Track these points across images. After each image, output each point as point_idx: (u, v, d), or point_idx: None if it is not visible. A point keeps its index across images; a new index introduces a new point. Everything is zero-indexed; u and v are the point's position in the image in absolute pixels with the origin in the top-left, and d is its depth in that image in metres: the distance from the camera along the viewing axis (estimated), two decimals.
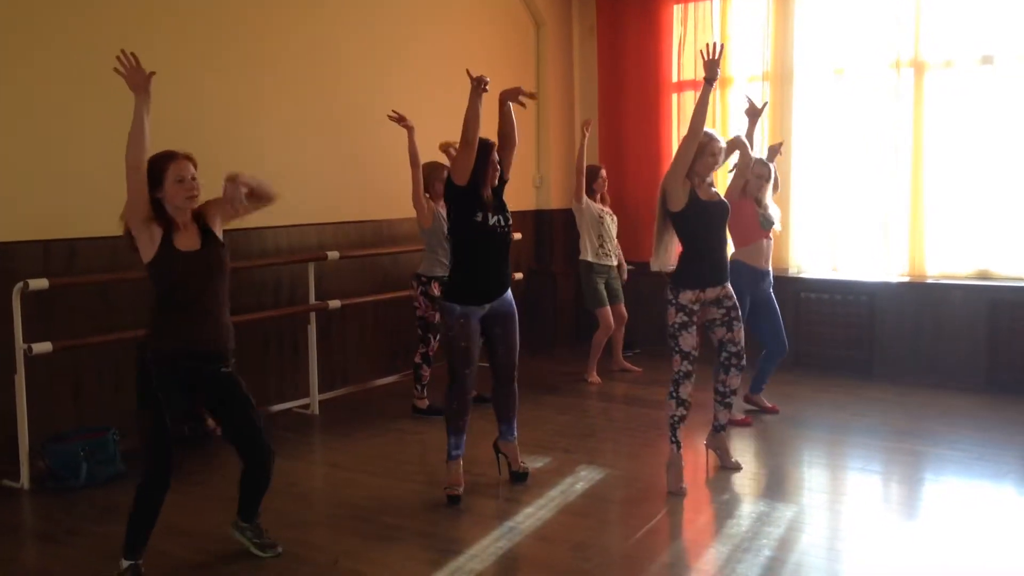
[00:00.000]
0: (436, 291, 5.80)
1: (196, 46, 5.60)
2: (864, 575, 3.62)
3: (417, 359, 6.04)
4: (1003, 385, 6.43)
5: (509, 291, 4.53)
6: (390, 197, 6.78)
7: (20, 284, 4.60)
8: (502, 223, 4.41)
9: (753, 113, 5.68)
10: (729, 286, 4.67)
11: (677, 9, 7.85)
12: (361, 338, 6.76)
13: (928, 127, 6.76)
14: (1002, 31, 6.46)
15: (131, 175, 3.37)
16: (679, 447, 4.57)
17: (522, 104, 4.54)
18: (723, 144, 4.69)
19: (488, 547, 3.90)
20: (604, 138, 8.32)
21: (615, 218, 7.07)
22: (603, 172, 7.03)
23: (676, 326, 4.52)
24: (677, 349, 4.53)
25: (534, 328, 8.23)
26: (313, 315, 6.11)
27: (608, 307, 6.96)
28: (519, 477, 4.69)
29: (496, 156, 4.46)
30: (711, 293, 4.59)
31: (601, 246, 6.91)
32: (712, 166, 4.59)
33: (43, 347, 4.62)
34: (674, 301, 4.54)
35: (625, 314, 7.12)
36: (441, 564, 3.73)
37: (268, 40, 6.02)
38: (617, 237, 7.07)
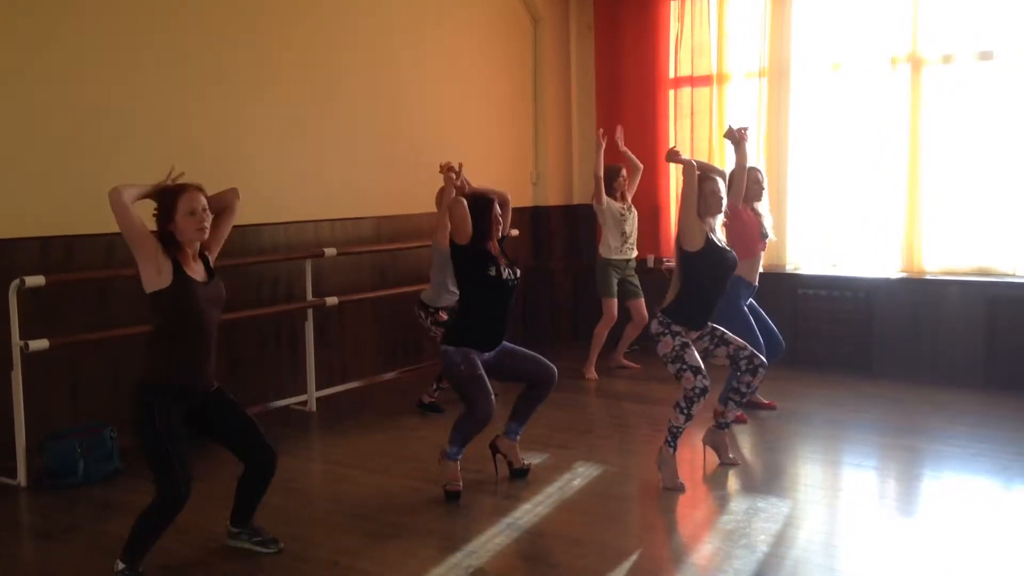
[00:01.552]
0: (444, 317, 5.82)
1: (194, 43, 5.58)
2: (861, 571, 3.62)
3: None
4: (1000, 381, 6.43)
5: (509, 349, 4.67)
6: (387, 193, 6.78)
7: (17, 281, 4.60)
8: (512, 277, 4.54)
9: (734, 139, 5.56)
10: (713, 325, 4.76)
11: (674, 5, 7.84)
12: (358, 335, 6.75)
13: (926, 123, 6.76)
14: (1000, 26, 6.46)
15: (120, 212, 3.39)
16: (674, 450, 4.58)
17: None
18: (721, 184, 4.69)
19: (486, 543, 3.91)
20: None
21: (635, 213, 7.09)
22: (624, 172, 7.02)
23: (676, 348, 4.53)
24: (686, 367, 4.50)
25: (531, 325, 8.24)
26: (310, 312, 6.10)
27: (615, 299, 6.97)
28: (520, 474, 4.71)
29: (498, 211, 4.55)
30: (694, 335, 4.65)
31: (624, 243, 6.98)
32: (713, 206, 4.60)
33: (40, 344, 4.61)
34: (667, 331, 4.56)
35: (645, 314, 6.99)
36: (439, 560, 3.73)
37: (265, 37, 6.00)
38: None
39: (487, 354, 4.54)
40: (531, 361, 4.67)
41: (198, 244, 3.54)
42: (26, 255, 4.86)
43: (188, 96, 5.55)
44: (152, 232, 3.46)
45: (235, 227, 5.73)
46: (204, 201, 3.48)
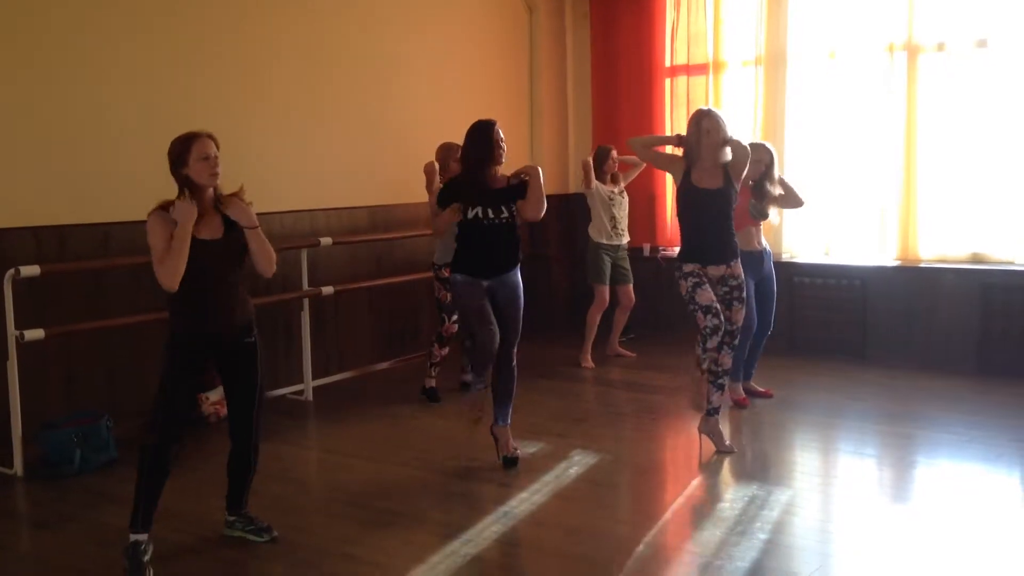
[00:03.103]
0: (447, 274, 5.79)
1: (188, 32, 5.56)
2: (857, 557, 3.63)
3: (433, 338, 6.06)
4: (995, 368, 6.45)
5: (515, 273, 4.67)
6: (384, 183, 6.77)
7: (11, 271, 4.58)
8: (494, 218, 4.53)
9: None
10: (737, 266, 4.81)
11: None
12: (354, 324, 6.75)
13: (921, 110, 6.75)
14: (995, 14, 6.45)
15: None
16: (720, 393, 4.83)
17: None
18: (720, 122, 4.69)
19: (483, 531, 3.91)
20: (598, 124, 8.30)
21: (626, 197, 7.07)
22: (614, 153, 7.00)
23: (689, 288, 4.71)
24: (696, 307, 4.69)
25: (528, 312, 8.22)
26: (306, 301, 6.10)
27: (606, 285, 6.98)
28: (510, 462, 4.70)
29: (500, 134, 4.56)
30: (713, 271, 4.75)
31: (613, 227, 6.95)
32: (710, 146, 4.65)
33: (35, 334, 4.61)
34: (679, 274, 4.77)
35: (632, 297, 7.14)
36: (436, 548, 3.74)
37: (259, 27, 5.98)
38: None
39: (487, 282, 4.58)
40: (504, 327, 4.63)
41: (210, 196, 3.59)
42: (21, 245, 4.84)
43: (182, 86, 5.52)
44: (161, 209, 3.52)
45: None
46: (215, 148, 3.56)
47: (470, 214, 4.54)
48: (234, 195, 3.67)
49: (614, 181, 7.03)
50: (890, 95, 6.84)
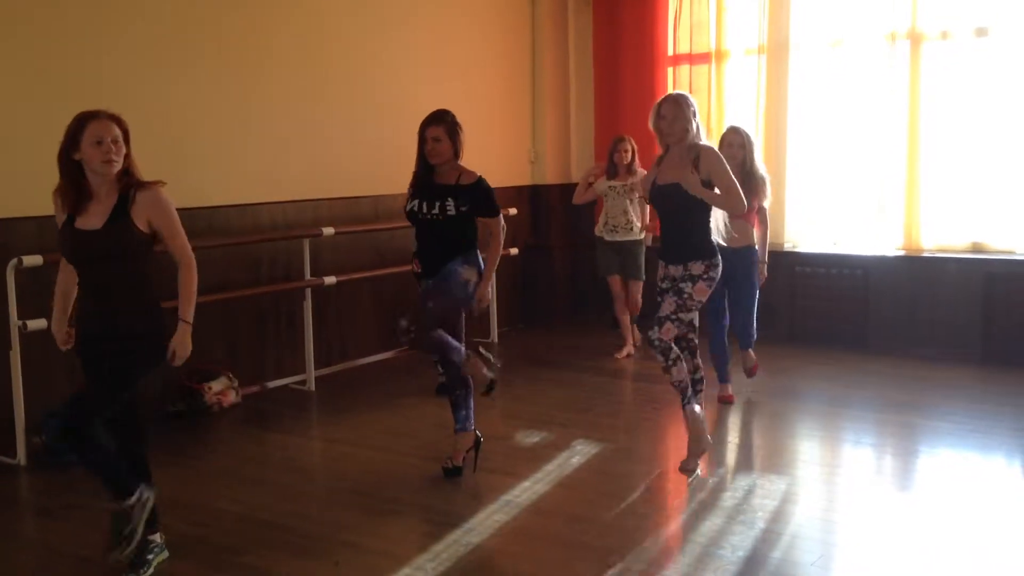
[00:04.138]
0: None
1: (190, 20, 5.55)
2: (858, 546, 3.64)
3: None
4: (997, 358, 6.45)
5: (454, 264, 4.34)
6: (385, 173, 6.74)
7: (14, 260, 4.59)
8: (425, 210, 4.35)
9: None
10: (693, 266, 4.32)
11: None
12: (357, 314, 6.75)
13: (924, 99, 6.74)
14: (998, 3, 6.42)
15: None
16: (688, 406, 4.40)
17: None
18: (678, 108, 4.29)
19: (485, 520, 3.92)
20: (600, 112, 8.28)
21: (631, 191, 6.68)
22: (622, 143, 6.72)
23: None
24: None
25: (530, 303, 8.25)
26: (309, 291, 6.10)
27: (610, 276, 6.87)
28: (449, 472, 4.40)
29: (432, 132, 4.33)
30: (673, 271, 4.39)
31: (605, 223, 6.83)
32: (662, 129, 4.32)
33: (38, 323, 4.60)
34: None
35: (637, 299, 6.86)
36: (439, 537, 3.75)
37: (261, 14, 5.96)
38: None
39: (428, 281, 4.45)
40: (430, 316, 4.35)
41: (110, 182, 3.20)
42: (23, 234, 4.84)
43: (185, 74, 5.51)
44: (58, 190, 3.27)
45: (234, 206, 5.87)
46: (117, 132, 3.17)
47: (408, 206, 4.44)
48: (153, 183, 3.28)
49: (627, 173, 6.73)
50: (893, 84, 6.82)
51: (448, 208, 4.31)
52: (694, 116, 4.32)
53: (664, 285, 4.43)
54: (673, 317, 4.32)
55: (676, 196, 4.29)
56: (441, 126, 4.33)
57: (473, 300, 4.42)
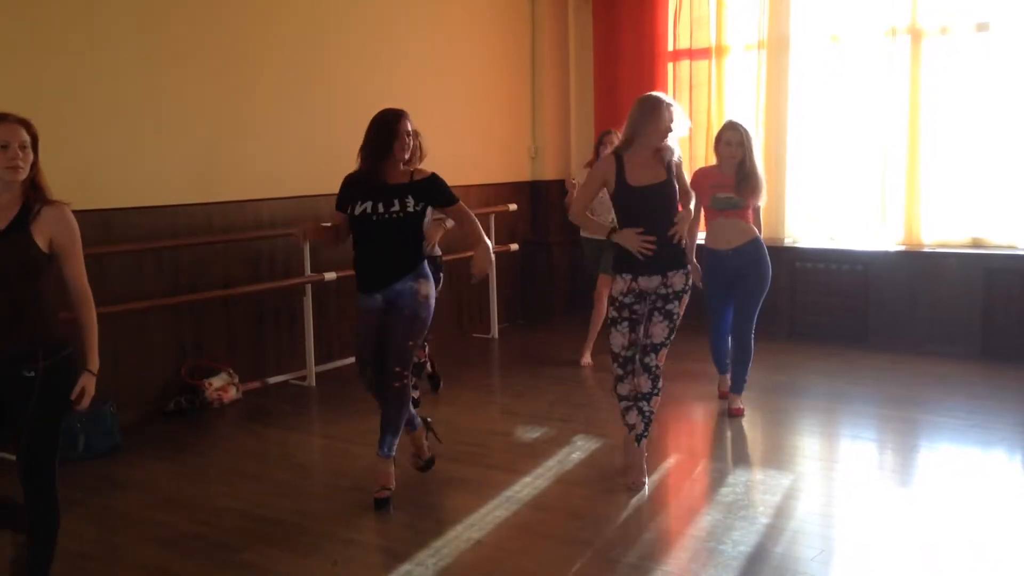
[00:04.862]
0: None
1: (188, 15, 5.54)
2: (859, 541, 3.64)
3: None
4: (997, 353, 6.44)
5: (406, 282, 4.08)
6: None
7: None
8: (381, 210, 4.09)
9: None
10: (675, 276, 4.12)
11: None
12: (357, 310, 6.72)
13: (925, 94, 6.72)
14: None
15: None
16: (631, 433, 4.26)
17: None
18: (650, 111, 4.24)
19: (485, 516, 3.92)
20: (600, 108, 8.27)
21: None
22: (607, 137, 6.39)
23: (608, 322, 4.22)
24: (608, 346, 4.20)
25: (530, 299, 8.24)
26: (309, 287, 6.10)
27: (599, 274, 6.81)
28: (378, 504, 4.05)
29: (406, 127, 4.12)
30: (645, 283, 4.12)
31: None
32: (655, 134, 4.17)
33: None
34: (612, 287, 4.23)
35: (602, 293, 6.58)
36: (439, 533, 3.75)
37: (259, 10, 5.95)
38: None
39: (377, 295, 4.12)
40: (386, 351, 4.09)
41: (15, 190, 2.89)
42: None
43: (185, 70, 5.50)
44: None
45: (234, 202, 5.86)
46: (25, 137, 2.88)
47: (358, 210, 4.11)
48: (62, 202, 3.00)
49: None
50: (893, 79, 6.81)
51: (408, 204, 4.06)
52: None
53: (627, 300, 4.14)
54: (668, 343, 4.18)
55: (657, 198, 4.09)
56: (410, 123, 4.16)
57: (427, 312, 4.15)
